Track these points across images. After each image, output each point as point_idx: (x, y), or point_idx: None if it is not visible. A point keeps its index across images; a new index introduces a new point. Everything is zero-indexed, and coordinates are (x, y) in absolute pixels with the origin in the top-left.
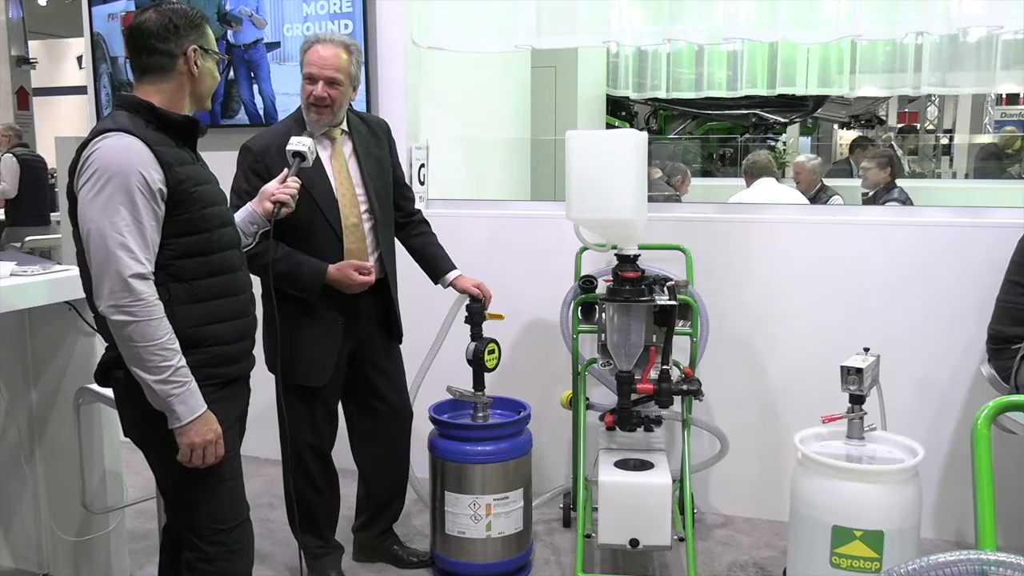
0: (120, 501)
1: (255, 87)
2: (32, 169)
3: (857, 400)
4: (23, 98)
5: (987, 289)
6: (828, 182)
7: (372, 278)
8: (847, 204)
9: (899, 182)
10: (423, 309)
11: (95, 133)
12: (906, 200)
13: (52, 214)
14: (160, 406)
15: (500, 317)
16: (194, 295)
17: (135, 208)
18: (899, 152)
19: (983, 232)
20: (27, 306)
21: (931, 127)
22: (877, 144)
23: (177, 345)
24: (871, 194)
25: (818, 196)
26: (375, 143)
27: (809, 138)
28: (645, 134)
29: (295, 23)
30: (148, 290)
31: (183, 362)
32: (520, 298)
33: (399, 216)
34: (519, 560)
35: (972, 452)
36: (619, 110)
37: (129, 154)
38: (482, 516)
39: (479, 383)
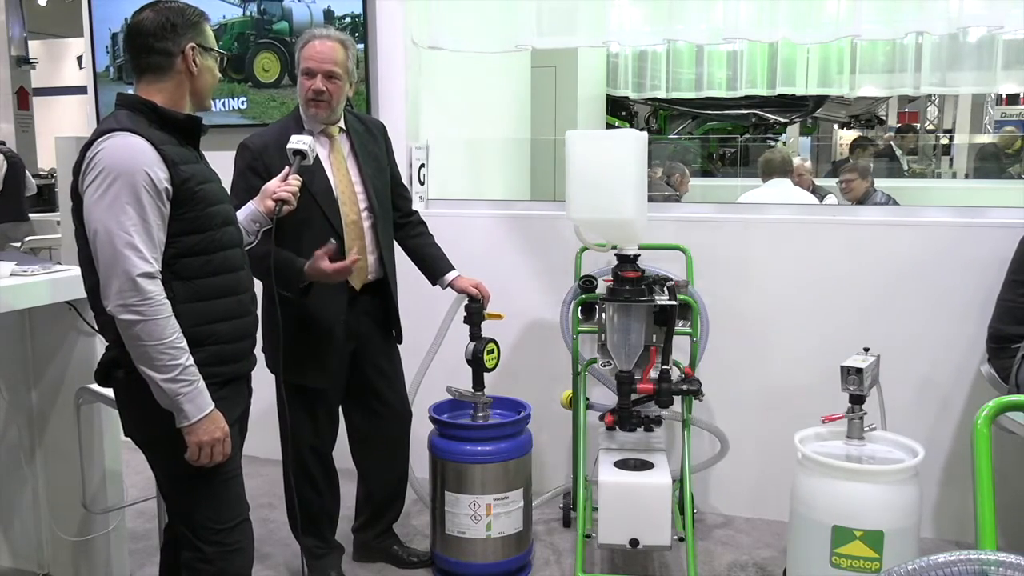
0: (120, 501)
1: None
2: (10, 165)
3: (857, 400)
4: (23, 98)
5: (987, 289)
6: (829, 183)
7: (350, 263)
8: (841, 203)
9: (898, 182)
10: (422, 309)
11: (99, 133)
12: (888, 200)
13: (51, 213)
14: (168, 405)
15: (499, 317)
16: (196, 294)
17: (141, 207)
18: (899, 152)
19: (983, 232)
20: (27, 306)
21: (931, 127)
22: (877, 144)
23: (185, 344)
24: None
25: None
26: (372, 142)
27: (809, 138)
28: (645, 134)
29: None
30: (156, 289)
31: (191, 361)
32: (520, 298)
33: (396, 217)
34: (519, 560)
35: (972, 452)
36: (619, 110)
37: (134, 153)
38: (482, 516)
39: (479, 383)
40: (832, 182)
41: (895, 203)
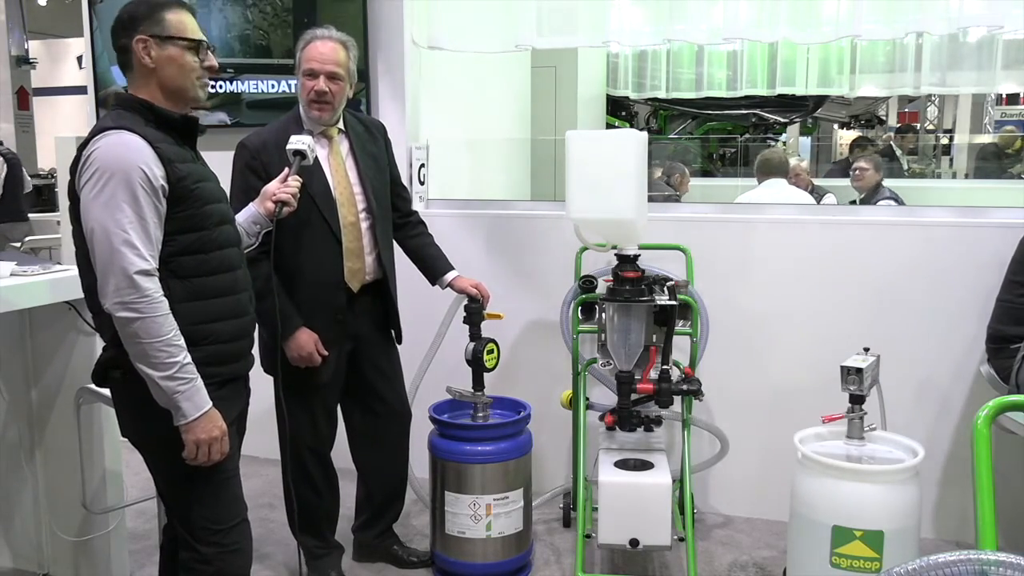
0: (120, 501)
1: None
2: (9, 165)
3: (857, 400)
4: (23, 98)
5: (987, 289)
6: (828, 182)
7: (316, 361)
8: (841, 203)
9: (898, 182)
10: (421, 309)
11: (95, 131)
12: (897, 198)
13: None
14: (165, 403)
15: (499, 317)
16: (193, 293)
17: (138, 205)
18: (899, 152)
19: (983, 232)
20: (27, 306)
21: (931, 127)
22: (877, 144)
23: (182, 342)
24: (863, 196)
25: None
26: (372, 142)
27: (809, 138)
28: (645, 134)
29: None
30: (153, 286)
31: (188, 359)
32: (520, 298)
33: (396, 217)
34: (519, 560)
35: (972, 452)
36: (619, 110)
37: (130, 151)
38: (482, 516)
39: (478, 383)
40: (831, 181)
41: (901, 201)
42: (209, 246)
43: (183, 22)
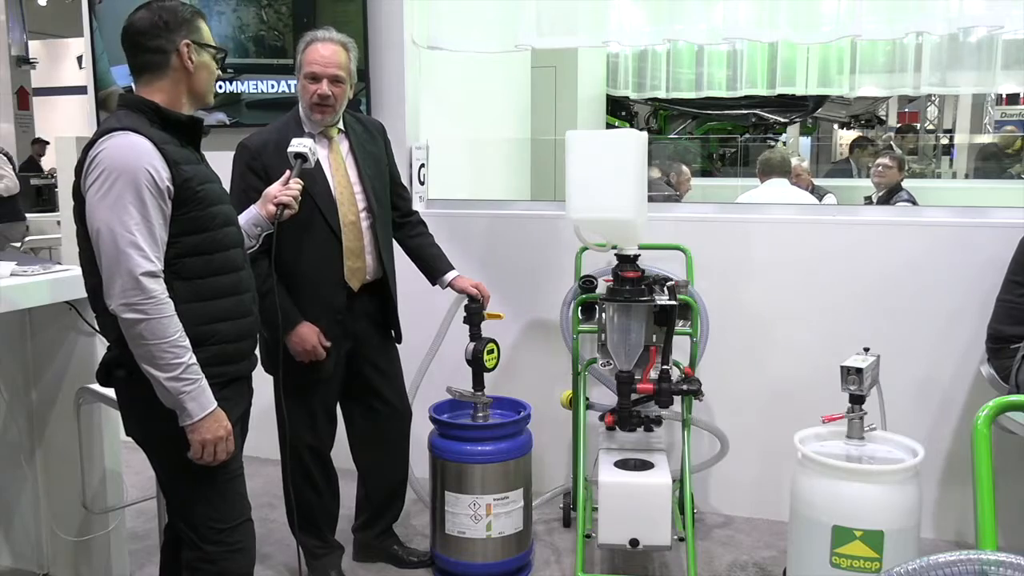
0: (120, 501)
1: None
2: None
3: (857, 400)
4: (23, 98)
5: (988, 289)
6: (828, 182)
7: (320, 355)
8: (841, 203)
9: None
10: (422, 309)
11: (101, 132)
12: (914, 200)
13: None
14: (171, 404)
15: (499, 317)
16: (198, 294)
17: (144, 206)
18: (899, 152)
19: (984, 232)
20: (27, 306)
21: (931, 127)
22: (877, 144)
23: (187, 342)
24: (880, 195)
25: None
26: (371, 142)
27: (809, 138)
28: (645, 134)
29: None
30: (159, 288)
31: (194, 359)
32: (520, 298)
33: (396, 216)
34: (519, 560)
35: (972, 452)
36: (619, 110)
37: (136, 152)
38: (482, 516)
39: (478, 383)
40: (831, 181)
41: (916, 204)
42: (214, 247)
43: (208, 31)
